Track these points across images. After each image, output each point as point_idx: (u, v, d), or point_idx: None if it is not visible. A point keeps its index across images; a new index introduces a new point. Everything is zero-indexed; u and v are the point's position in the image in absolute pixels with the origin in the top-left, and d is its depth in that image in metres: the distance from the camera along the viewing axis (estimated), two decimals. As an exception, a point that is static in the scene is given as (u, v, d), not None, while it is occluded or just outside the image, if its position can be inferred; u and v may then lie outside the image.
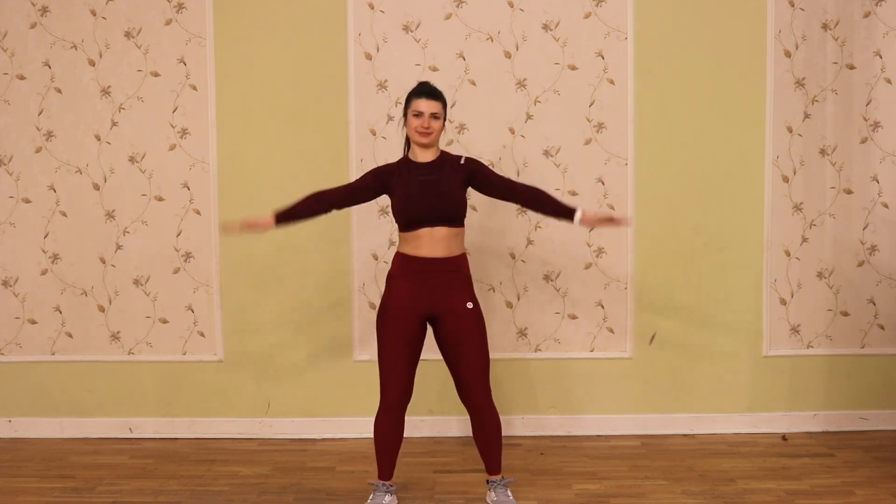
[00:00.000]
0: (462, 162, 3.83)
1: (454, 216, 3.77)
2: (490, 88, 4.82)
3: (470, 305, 3.79)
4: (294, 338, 4.91)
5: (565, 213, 3.81)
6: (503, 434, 3.95)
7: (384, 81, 4.81)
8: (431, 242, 3.75)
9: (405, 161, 3.85)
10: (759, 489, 4.12)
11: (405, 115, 3.84)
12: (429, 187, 3.74)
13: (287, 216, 3.83)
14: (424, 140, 3.78)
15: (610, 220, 3.88)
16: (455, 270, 3.80)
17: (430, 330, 3.87)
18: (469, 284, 3.84)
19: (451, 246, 3.78)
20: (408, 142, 3.91)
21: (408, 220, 3.76)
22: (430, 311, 3.78)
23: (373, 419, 3.85)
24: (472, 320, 3.78)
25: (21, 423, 4.97)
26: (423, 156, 3.82)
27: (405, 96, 3.88)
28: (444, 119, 3.84)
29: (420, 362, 3.91)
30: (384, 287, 3.87)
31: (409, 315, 3.76)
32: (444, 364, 3.88)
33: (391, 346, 3.77)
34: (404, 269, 3.79)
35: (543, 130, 4.84)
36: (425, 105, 3.76)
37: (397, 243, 3.88)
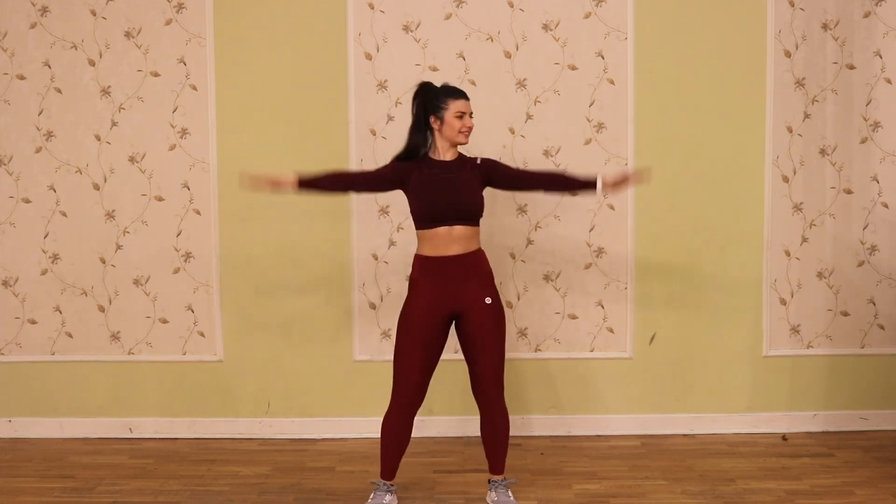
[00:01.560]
0: (478, 162, 3.86)
1: (473, 215, 3.79)
2: (490, 88, 4.81)
3: (489, 301, 3.79)
4: (294, 338, 4.91)
5: (586, 185, 3.84)
6: (506, 434, 3.95)
7: (384, 81, 4.81)
8: (449, 241, 3.75)
9: (426, 158, 3.85)
10: (759, 489, 4.12)
11: (438, 115, 3.77)
12: (449, 186, 3.76)
13: (309, 184, 3.82)
14: (466, 140, 3.82)
15: (627, 179, 3.87)
16: (474, 265, 3.80)
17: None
18: (489, 279, 3.84)
19: (469, 243, 3.79)
20: (420, 138, 3.84)
21: (428, 218, 3.76)
22: (453, 310, 3.78)
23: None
24: (490, 316, 3.78)
25: (21, 423, 4.97)
26: (447, 155, 3.83)
27: (433, 95, 3.79)
28: None
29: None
30: (407, 290, 3.84)
31: (431, 318, 3.76)
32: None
33: (408, 348, 3.77)
34: (424, 271, 3.79)
35: (543, 130, 4.84)
36: (465, 105, 3.80)
37: (416, 245, 3.85)
